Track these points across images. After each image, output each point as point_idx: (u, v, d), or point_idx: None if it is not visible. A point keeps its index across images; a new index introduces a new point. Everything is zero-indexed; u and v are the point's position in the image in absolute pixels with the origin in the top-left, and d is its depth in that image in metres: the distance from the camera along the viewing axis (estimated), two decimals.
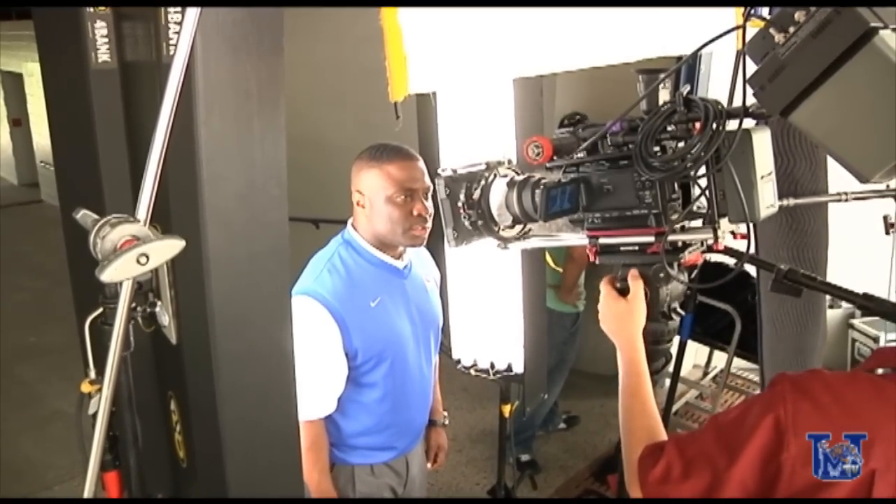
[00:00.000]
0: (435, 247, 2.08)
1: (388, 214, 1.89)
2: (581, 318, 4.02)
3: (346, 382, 1.88)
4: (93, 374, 1.24)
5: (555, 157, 1.47)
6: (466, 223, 1.50)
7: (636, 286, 1.41)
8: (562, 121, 3.76)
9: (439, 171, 1.50)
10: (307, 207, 3.45)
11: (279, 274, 1.34)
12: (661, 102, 1.34)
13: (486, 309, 2.71)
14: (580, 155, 1.45)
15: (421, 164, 1.92)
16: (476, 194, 1.50)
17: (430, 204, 1.89)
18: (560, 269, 3.84)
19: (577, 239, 1.49)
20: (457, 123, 2.49)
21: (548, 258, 3.67)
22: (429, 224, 1.90)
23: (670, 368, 3.51)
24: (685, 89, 1.30)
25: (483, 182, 1.50)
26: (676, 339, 3.37)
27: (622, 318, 1.41)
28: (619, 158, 1.41)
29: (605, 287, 1.46)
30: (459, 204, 1.49)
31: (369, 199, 1.89)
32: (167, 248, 1.09)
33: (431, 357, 2.08)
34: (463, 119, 2.47)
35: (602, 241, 1.46)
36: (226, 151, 1.25)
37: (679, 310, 1.46)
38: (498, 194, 1.51)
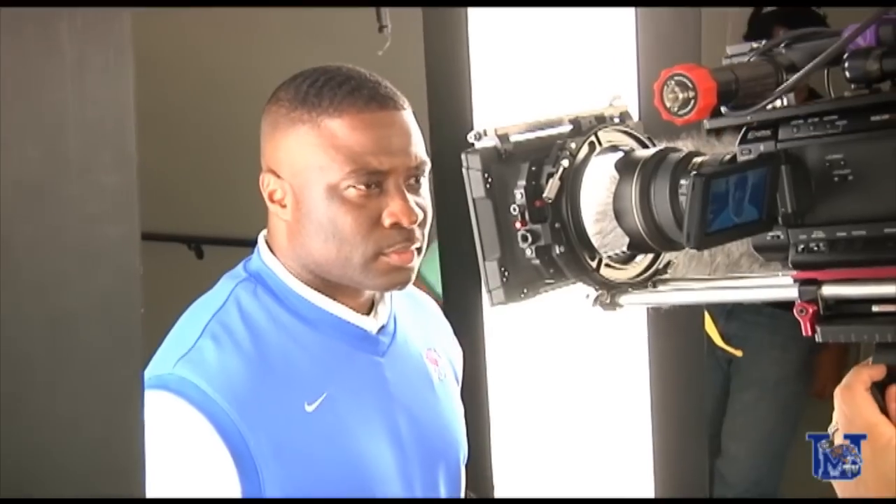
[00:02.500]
0: (459, 298, 1.80)
1: (334, 222, 1.30)
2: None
3: None
4: None
5: (723, 110, 1.04)
6: (529, 251, 1.08)
7: None
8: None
9: (471, 137, 1.10)
10: (185, 220, 2.68)
11: (122, 345, 0.87)
12: None
13: (568, 423, 2.24)
14: (783, 103, 1.04)
15: (406, 114, 1.35)
16: (551, 188, 1.08)
17: (423, 200, 1.34)
18: (735, 351, 2.97)
19: (772, 288, 1.10)
20: (507, 43, 2.14)
21: (710, 327, 2.78)
22: (420, 244, 1.35)
23: None
24: None
25: (566, 162, 1.09)
26: None
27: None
28: (873, 110, 1.01)
29: (855, 391, 1.08)
30: (514, 210, 1.08)
31: (294, 190, 1.33)
32: None
33: None
34: (519, 35, 2.11)
35: (829, 290, 1.04)
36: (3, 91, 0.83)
37: None
38: (598, 188, 1.13)
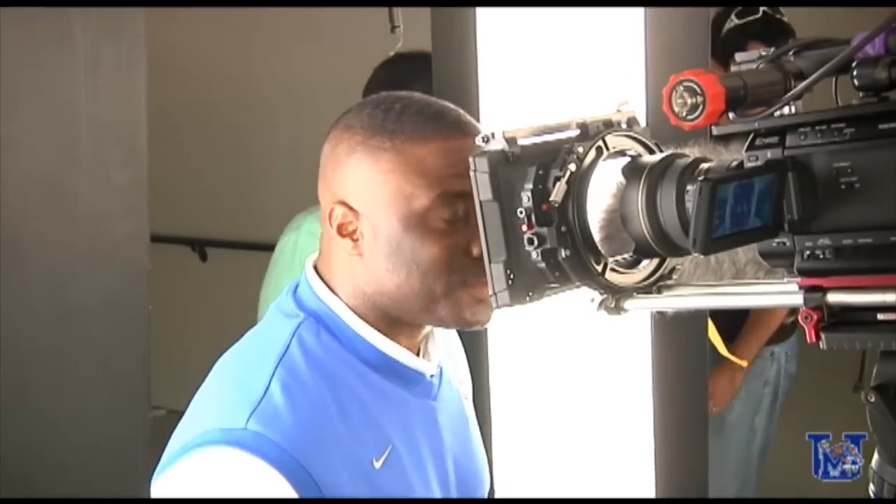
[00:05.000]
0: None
1: (419, 253, 1.21)
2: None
3: None
4: None
5: (732, 115, 1.03)
6: (535, 254, 1.06)
7: None
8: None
9: (479, 140, 1.09)
10: (190, 223, 2.64)
11: (129, 340, 0.93)
12: None
13: (570, 426, 2.18)
14: (790, 110, 1.02)
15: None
16: (557, 192, 1.06)
17: None
18: (732, 356, 2.95)
19: (777, 294, 1.08)
20: (515, 46, 2.10)
21: (713, 334, 2.77)
22: None
23: None
24: None
25: (573, 166, 1.07)
26: None
27: None
28: (881, 118, 0.99)
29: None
30: (520, 213, 1.06)
31: (372, 222, 1.22)
32: None
33: None
34: (527, 37, 2.07)
35: (834, 297, 1.03)
36: (12, 87, 0.90)
37: None
38: (605, 193, 1.10)
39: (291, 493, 1.17)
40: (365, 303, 1.25)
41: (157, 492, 1.14)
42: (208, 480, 1.14)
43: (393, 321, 1.25)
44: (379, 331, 1.25)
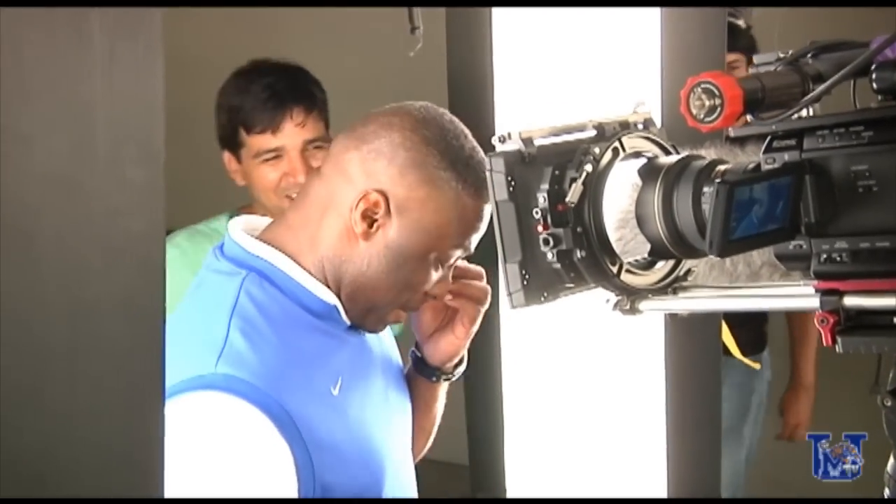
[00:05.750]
0: None
1: (410, 279, 1.36)
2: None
3: None
4: None
5: (749, 117, 1.03)
6: (550, 255, 1.08)
7: None
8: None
9: (495, 140, 1.10)
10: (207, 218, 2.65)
11: (144, 339, 0.86)
12: None
13: (582, 427, 2.23)
14: (808, 112, 1.03)
15: None
16: (573, 193, 1.08)
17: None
18: (750, 362, 2.90)
19: (793, 297, 1.09)
20: (531, 46, 2.13)
21: (726, 337, 2.71)
22: None
23: None
24: None
25: (589, 167, 1.09)
26: None
27: None
28: None
29: None
30: (536, 213, 1.08)
31: (398, 229, 1.33)
32: None
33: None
34: (543, 38, 2.11)
35: (850, 301, 1.03)
36: (28, 83, 0.82)
37: None
38: (621, 194, 1.12)
39: (269, 426, 1.26)
40: (325, 268, 1.35)
41: None
42: (192, 425, 1.21)
43: (338, 289, 1.34)
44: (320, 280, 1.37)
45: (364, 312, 1.39)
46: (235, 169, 2.00)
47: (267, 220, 1.41)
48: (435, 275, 1.38)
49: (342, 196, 1.32)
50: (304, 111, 1.94)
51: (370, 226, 1.32)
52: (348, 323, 1.38)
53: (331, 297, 1.36)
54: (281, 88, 1.97)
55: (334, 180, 1.34)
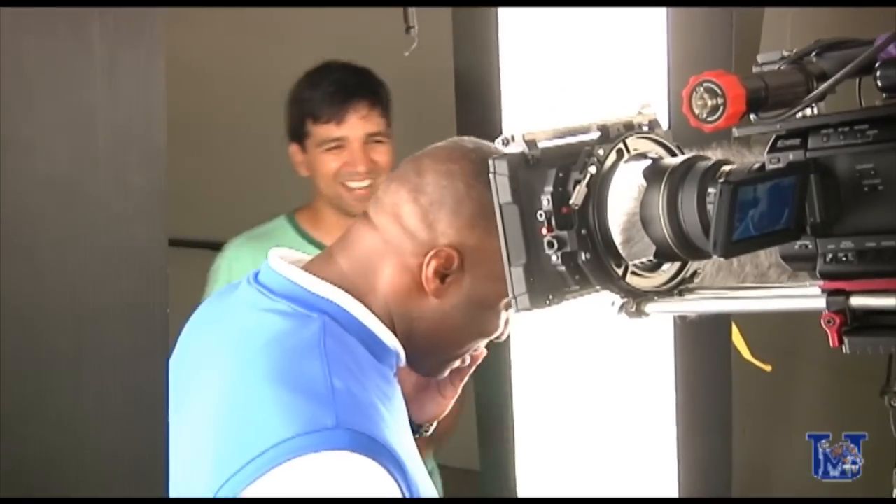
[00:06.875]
0: None
1: (483, 325, 1.33)
2: None
3: None
4: None
5: (753, 116, 1.02)
6: (555, 258, 1.08)
7: None
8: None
9: (499, 142, 1.12)
10: (217, 227, 2.66)
11: (147, 345, 0.85)
12: None
13: (592, 429, 2.26)
14: (813, 111, 1.02)
15: None
16: (578, 195, 1.08)
17: None
18: (761, 364, 2.87)
19: (799, 298, 1.08)
20: (537, 47, 2.16)
21: (737, 339, 2.69)
22: None
23: None
24: None
25: (594, 169, 1.09)
26: None
27: None
28: None
29: None
30: (540, 216, 1.08)
31: (474, 286, 1.30)
32: None
33: None
34: (549, 39, 2.13)
35: (857, 301, 1.02)
36: (30, 89, 0.82)
37: None
38: (626, 196, 1.13)
39: (394, 485, 1.21)
40: (392, 317, 1.30)
41: None
42: (334, 488, 1.14)
43: (406, 340, 1.30)
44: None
45: (430, 360, 1.36)
46: (300, 160, 2.14)
47: (301, 255, 1.36)
48: (503, 319, 1.33)
49: (402, 249, 1.28)
50: (367, 105, 2.07)
51: (442, 281, 1.28)
52: (402, 366, 1.35)
53: (394, 342, 1.31)
54: (347, 84, 2.11)
55: (390, 231, 1.28)
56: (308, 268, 1.30)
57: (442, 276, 1.28)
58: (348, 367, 1.27)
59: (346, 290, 1.29)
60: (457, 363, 1.39)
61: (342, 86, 2.11)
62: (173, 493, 1.15)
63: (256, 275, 1.31)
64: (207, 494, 1.15)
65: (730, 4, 1.94)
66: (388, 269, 1.29)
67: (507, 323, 1.38)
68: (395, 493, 1.22)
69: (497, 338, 1.37)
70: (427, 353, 1.35)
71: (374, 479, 1.21)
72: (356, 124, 2.06)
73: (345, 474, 1.20)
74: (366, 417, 1.23)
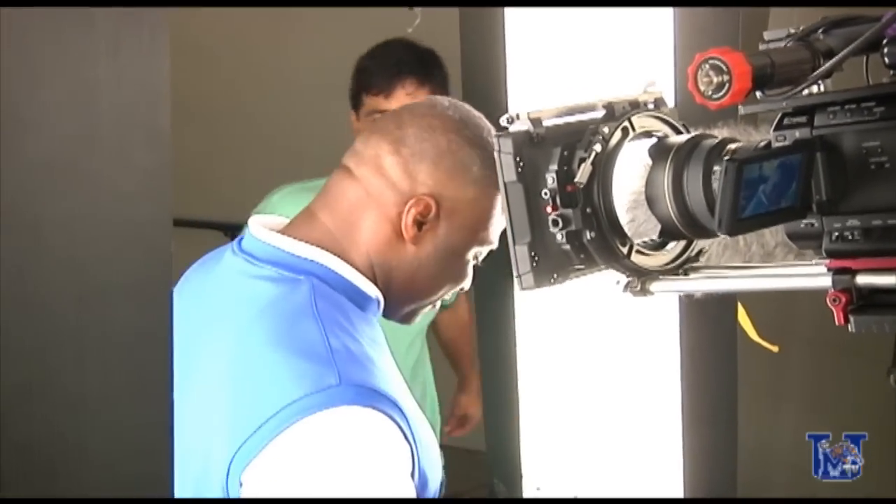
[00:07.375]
0: (489, 284, 1.79)
1: (455, 274, 1.42)
2: None
3: None
4: None
5: (759, 93, 1.01)
6: (560, 236, 1.08)
7: None
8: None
9: (504, 120, 1.10)
10: (223, 207, 2.64)
11: (151, 324, 0.86)
12: None
13: (598, 416, 2.21)
14: (819, 88, 1.02)
15: None
16: (582, 173, 1.08)
17: None
18: (769, 345, 2.84)
19: (805, 277, 1.07)
20: (543, 26, 2.13)
21: (743, 319, 2.65)
22: None
23: None
24: None
25: (598, 147, 1.08)
26: None
27: None
28: None
29: None
30: (545, 194, 1.08)
31: (449, 235, 1.37)
32: None
33: None
34: (555, 18, 2.08)
35: (863, 279, 1.02)
36: (34, 69, 0.82)
37: None
38: (631, 174, 1.12)
39: (396, 430, 1.27)
40: (373, 267, 1.36)
41: (268, 469, 1.17)
42: (345, 442, 1.21)
43: (385, 287, 1.36)
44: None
45: (405, 307, 1.43)
46: (357, 128, 2.18)
47: (281, 219, 1.40)
48: (470, 268, 1.40)
49: (384, 199, 1.33)
50: (416, 83, 2.13)
51: (419, 229, 1.34)
52: (380, 315, 1.41)
53: (376, 293, 1.38)
54: (402, 60, 2.17)
55: (372, 182, 1.34)
56: (290, 230, 1.35)
57: (419, 223, 1.34)
58: (340, 324, 1.32)
59: (329, 248, 1.34)
60: (427, 309, 1.46)
61: (396, 60, 2.16)
62: (188, 461, 1.26)
63: (240, 242, 1.35)
64: (225, 458, 1.19)
65: (733, 5, 1.93)
66: (370, 221, 1.35)
67: (473, 272, 1.45)
68: (398, 437, 1.27)
69: (462, 288, 1.44)
70: (404, 300, 1.41)
71: (380, 428, 1.27)
72: (403, 100, 2.09)
73: (353, 426, 1.25)
74: (364, 370, 1.29)
